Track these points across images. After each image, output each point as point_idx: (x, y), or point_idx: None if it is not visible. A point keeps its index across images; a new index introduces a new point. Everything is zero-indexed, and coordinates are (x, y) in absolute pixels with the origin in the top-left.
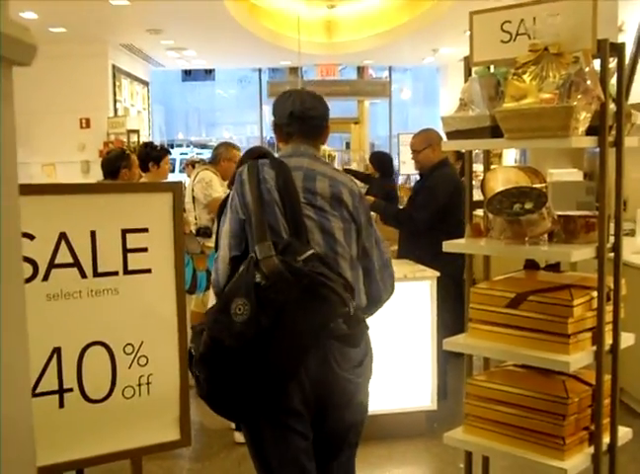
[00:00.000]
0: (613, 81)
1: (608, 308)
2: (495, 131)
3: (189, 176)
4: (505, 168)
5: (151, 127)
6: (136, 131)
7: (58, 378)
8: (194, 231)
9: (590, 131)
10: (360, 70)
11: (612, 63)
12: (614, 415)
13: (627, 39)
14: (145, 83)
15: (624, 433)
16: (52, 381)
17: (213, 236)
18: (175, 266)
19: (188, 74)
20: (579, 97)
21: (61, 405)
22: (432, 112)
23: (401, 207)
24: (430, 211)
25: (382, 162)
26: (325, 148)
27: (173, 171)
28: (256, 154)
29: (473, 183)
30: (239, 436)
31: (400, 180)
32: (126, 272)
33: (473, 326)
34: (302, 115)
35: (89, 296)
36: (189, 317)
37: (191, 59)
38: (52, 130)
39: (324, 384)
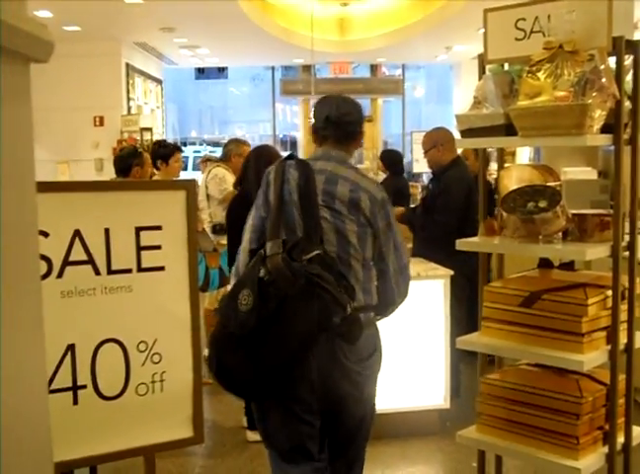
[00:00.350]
0: (629, 78)
1: (623, 307)
2: (509, 129)
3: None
4: (519, 166)
5: (165, 125)
6: (149, 129)
7: (72, 375)
8: (207, 229)
9: (605, 129)
10: (374, 68)
11: (628, 61)
12: (629, 414)
13: None
14: (159, 81)
15: (639, 432)
16: (66, 378)
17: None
18: (188, 263)
19: (201, 72)
20: (594, 95)
21: (75, 402)
22: (445, 109)
23: (420, 213)
24: (453, 212)
25: (392, 160)
26: None
27: (186, 169)
28: (263, 152)
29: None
30: (251, 435)
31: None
32: (140, 269)
33: (486, 324)
34: (337, 120)
35: (103, 294)
36: (202, 315)
37: (204, 57)
38: (66, 128)
39: (332, 375)
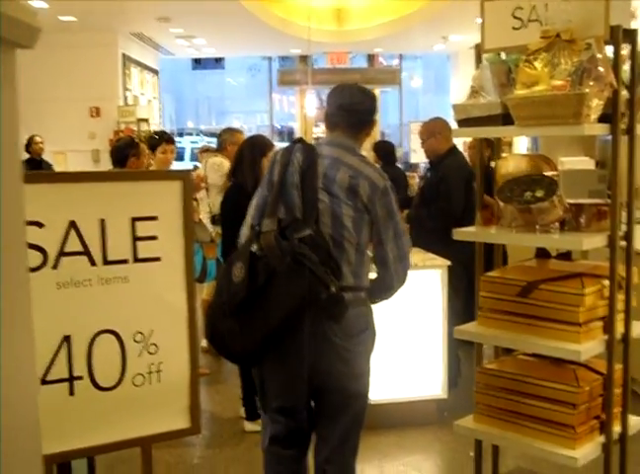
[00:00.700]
0: (626, 67)
1: (620, 297)
2: (506, 119)
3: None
4: (516, 156)
5: (161, 116)
6: (146, 120)
7: (68, 366)
8: (207, 219)
9: (602, 119)
10: (371, 58)
11: (625, 50)
12: (626, 404)
13: None
14: (155, 71)
15: (635, 422)
16: (62, 369)
17: None
18: (184, 254)
19: (198, 63)
20: (591, 84)
21: (71, 393)
22: (443, 100)
23: (418, 204)
24: (457, 199)
25: (386, 151)
26: None
27: (182, 159)
28: (257, 143)
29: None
30: (249, 425)
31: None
32: (136, 260)
33: (483, 314)
34: (349, 107)
35: (99, 284)
36: (199, 306)
37: (200, 47)
38: (63, 119)
39: (321, 350)
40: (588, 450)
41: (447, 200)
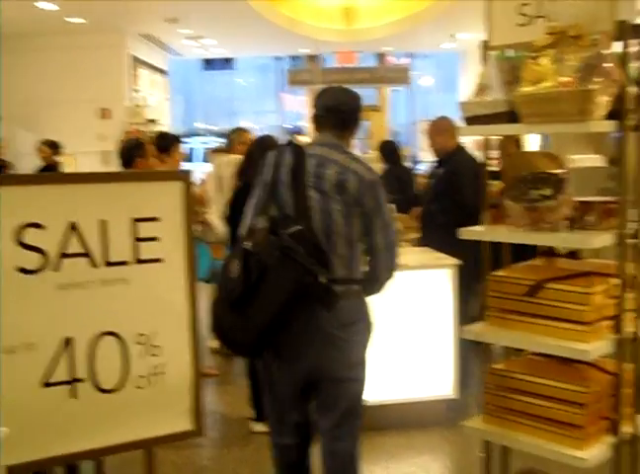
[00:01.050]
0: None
1: (630, 296)
2: (512, 116)
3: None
4: (523, 153)
5: (171, 117)
6: (155, 121)
7: (70, 369)
8: (218, 219)
9: (610, 116)
10: (380, 57)
11: (633, 46)
12: (636, 404)
13: None
14: (164, 72)
15: None
16: (64, 372)
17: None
18: (186, 255)
19: (208, 63)
20: (598, 80)
21: (73, 395)
22: (453, 98)
23: (431, 199)
24: (471, 188)
25: (389, 150)
26: None
27: (191, 160)
28: (265, 143)
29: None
30: (257, 426)
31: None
32: (137, 261)
33: (491, 314)
34: (335, 108)
35: (100, 286)
36: (208, 307)
37: (209, 48)
38: (72, 121)
39: (315, 339)
40: (597, 451)
41: (461, 193)
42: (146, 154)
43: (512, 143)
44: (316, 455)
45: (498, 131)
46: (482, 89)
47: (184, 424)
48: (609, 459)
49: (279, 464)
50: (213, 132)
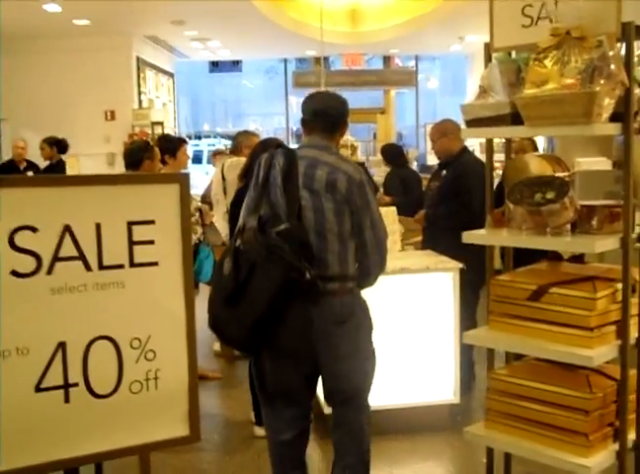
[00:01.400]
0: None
1: (634, 301)
2: (515, 119)
3: (215, 166)
4: (526, 156)
5: (177, 119)
6: (161, 123)
7: (64, 373)
8: (222, 221)
9: (614, 118)
10: (387, 59)
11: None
12: None
13: None
14: (170, 74)
15: None
16: (58, 376)
17: None
18: (183, 258)
19: (215, 66)
20: (602, 82)
21: (67, 400)
22: (460, 101)
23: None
24: (478, 190)
25: (392, 153)
26: (348, 138)
27: (200, 162)
28: (271, 145)
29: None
30: (259, 430)
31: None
32: (133, 265)
33: (494, 319)
34: (323, 112)
35: (94, 290)
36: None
37: (215, 50)
38: (78, 123)
39: (308, 333)
40: (601, 458)
41: (468, 194)
42: (154, 156)
43: (530, 146)
44: (314, 453)
45: (500, 134)
46: (484, 91)
47: (180, 429)
48: (613, 467)
49: (276, 461)
50: (220, 134)
